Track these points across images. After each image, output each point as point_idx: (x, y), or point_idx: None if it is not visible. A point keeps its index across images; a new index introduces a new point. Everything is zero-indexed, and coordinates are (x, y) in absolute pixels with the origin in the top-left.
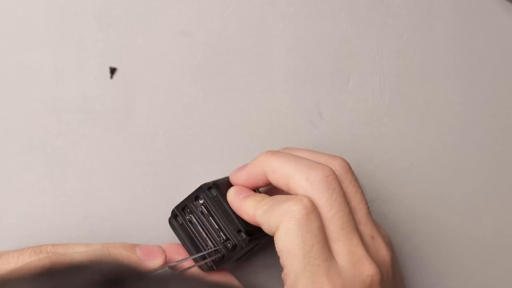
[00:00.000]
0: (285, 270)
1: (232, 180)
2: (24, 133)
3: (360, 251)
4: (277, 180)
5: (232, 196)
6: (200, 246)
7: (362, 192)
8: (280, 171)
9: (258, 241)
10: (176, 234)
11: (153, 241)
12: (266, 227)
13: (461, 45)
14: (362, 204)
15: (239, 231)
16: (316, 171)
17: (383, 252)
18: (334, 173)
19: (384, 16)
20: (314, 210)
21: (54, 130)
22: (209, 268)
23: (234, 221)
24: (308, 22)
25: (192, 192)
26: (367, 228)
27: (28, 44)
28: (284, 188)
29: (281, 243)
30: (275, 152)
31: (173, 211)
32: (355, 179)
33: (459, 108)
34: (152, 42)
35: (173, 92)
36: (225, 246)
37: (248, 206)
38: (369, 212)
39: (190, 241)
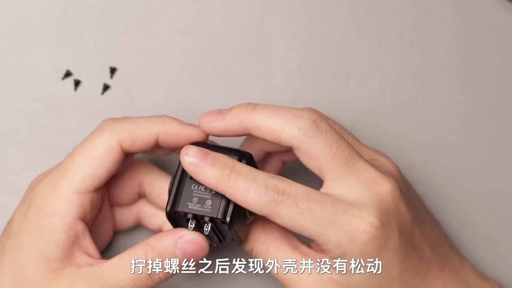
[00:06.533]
0: (312, 238)
1: (205, 127)
2: (24, 133)
3: (371, 173)
4: (264, 135)
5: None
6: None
7: (339, 125)
8: (267, 126)
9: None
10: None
11: None
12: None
13: (461, 45)
14: (347, 133)
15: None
16: (304, 119)
17: (389, 166)
18: (319, 116)
19: (384, 16)
20: (288, 186)
21: (54, 130)
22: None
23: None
24: (308, 22)
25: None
26: (364, 153)
27: (28, 44)
28: (274, 140)
29: (280, 223)
30: (254, 107)
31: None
32: (327, 117)
33: (459, 108)
34: (152, 42)
35: (173, 92)
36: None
37: (240, 188)
38: (356, 139)
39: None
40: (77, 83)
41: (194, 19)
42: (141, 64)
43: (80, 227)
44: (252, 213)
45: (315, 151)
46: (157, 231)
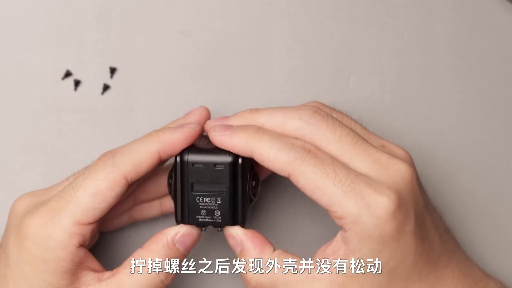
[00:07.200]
0: (330, 208)
1: (207, 127)
2: (24, 133)
3: (383, 155)
4: None
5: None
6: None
7: (346, 115)
8: (270, 123)
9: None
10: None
11: None
12: (277, 169)
13: (461, 45)
14: (354, 122)
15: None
16: (305, 110)
17: (401, 152)
18: (320, 106)
19: (384, 16)
20: (315, 148)
21: (54, 130)
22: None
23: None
24: (308, 22)
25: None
26: (373, 140)
27: (28, 44)
28: None
29: (302, 184)
30: (257, 110)
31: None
32: (333, 108)
33: (459, 108)
34: (152, 42)
35: (173, 92)
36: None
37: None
38: (364, 127)
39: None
40: (77, 83)
41: (194, 19)
42: (141, 64)
43: (82, 252)
44: (255, 195)
45: (320, 137)
46: (158, 216)
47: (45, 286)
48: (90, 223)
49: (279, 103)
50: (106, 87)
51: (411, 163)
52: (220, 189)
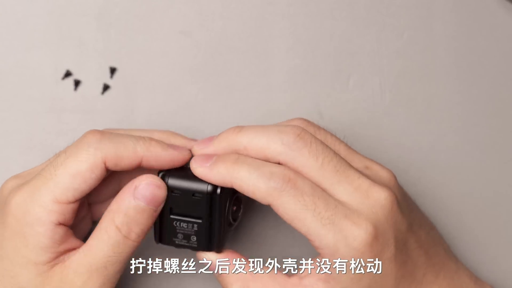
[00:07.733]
0: (309, 238)
1: (196, 154)
2: (24, 133)
3: (364, 181)
4: (251, 154)
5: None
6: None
7: (331, 134)
8: (253, 146)
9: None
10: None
11: (151, 241)
12: (259, 197)
13: (461, 45)
14: (338, 142)
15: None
16: (288, 134)
17: (384, 174)
18: (303, 128)
19: (384, 16)
20: (295, 176)
21: (54, 130)
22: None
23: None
24: (308, 22)
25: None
26: (356, 162)
27: (28, 44)
28: (262, 159)
29: (281, 213)
30: (241, 129)
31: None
32: (318, 127)
33: (459, 108)
34: (152, 42)
35: (173, 92)
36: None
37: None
38: (349, 147)
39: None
40: (77, 83)
41: (194, 19)
42: (141, 64)
43: (62, 230)
44: (236, 219)
45: (302, 163)
46: None
47: (24, 262)
48: (70, 202)
49: (279, 103)
50: (106, 87)
51: (394, 185)
52: (198, 216)
